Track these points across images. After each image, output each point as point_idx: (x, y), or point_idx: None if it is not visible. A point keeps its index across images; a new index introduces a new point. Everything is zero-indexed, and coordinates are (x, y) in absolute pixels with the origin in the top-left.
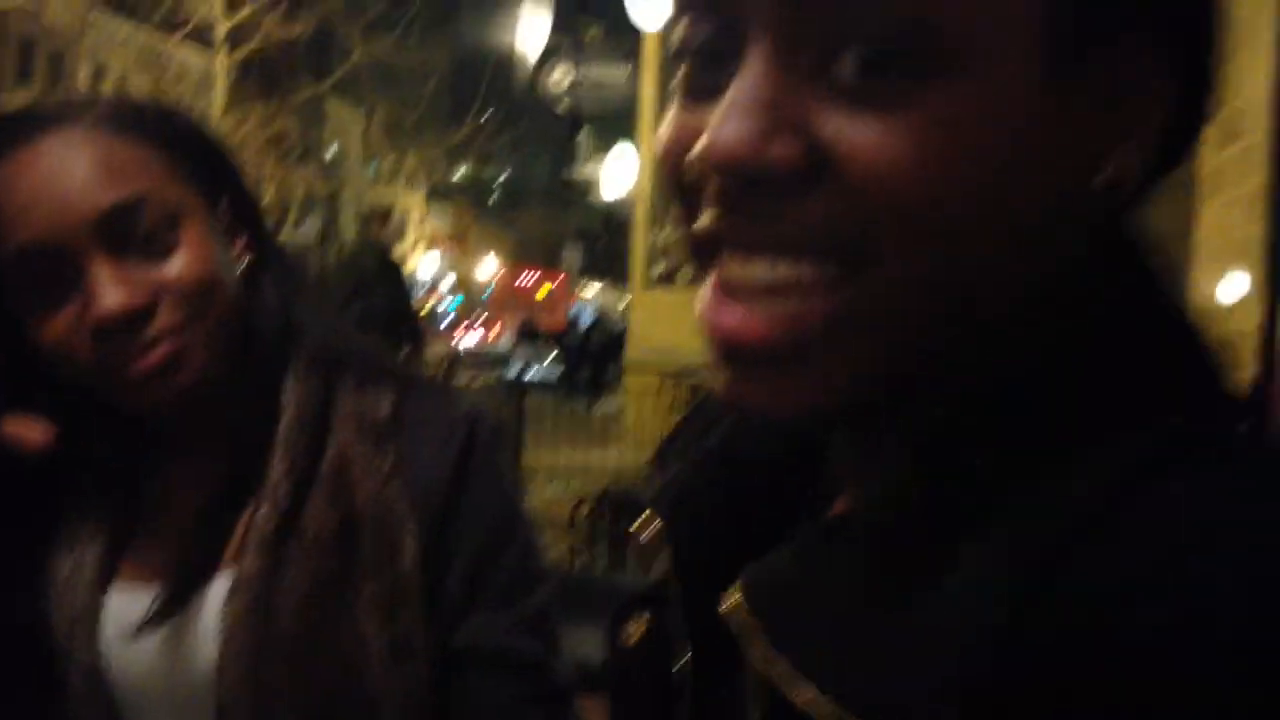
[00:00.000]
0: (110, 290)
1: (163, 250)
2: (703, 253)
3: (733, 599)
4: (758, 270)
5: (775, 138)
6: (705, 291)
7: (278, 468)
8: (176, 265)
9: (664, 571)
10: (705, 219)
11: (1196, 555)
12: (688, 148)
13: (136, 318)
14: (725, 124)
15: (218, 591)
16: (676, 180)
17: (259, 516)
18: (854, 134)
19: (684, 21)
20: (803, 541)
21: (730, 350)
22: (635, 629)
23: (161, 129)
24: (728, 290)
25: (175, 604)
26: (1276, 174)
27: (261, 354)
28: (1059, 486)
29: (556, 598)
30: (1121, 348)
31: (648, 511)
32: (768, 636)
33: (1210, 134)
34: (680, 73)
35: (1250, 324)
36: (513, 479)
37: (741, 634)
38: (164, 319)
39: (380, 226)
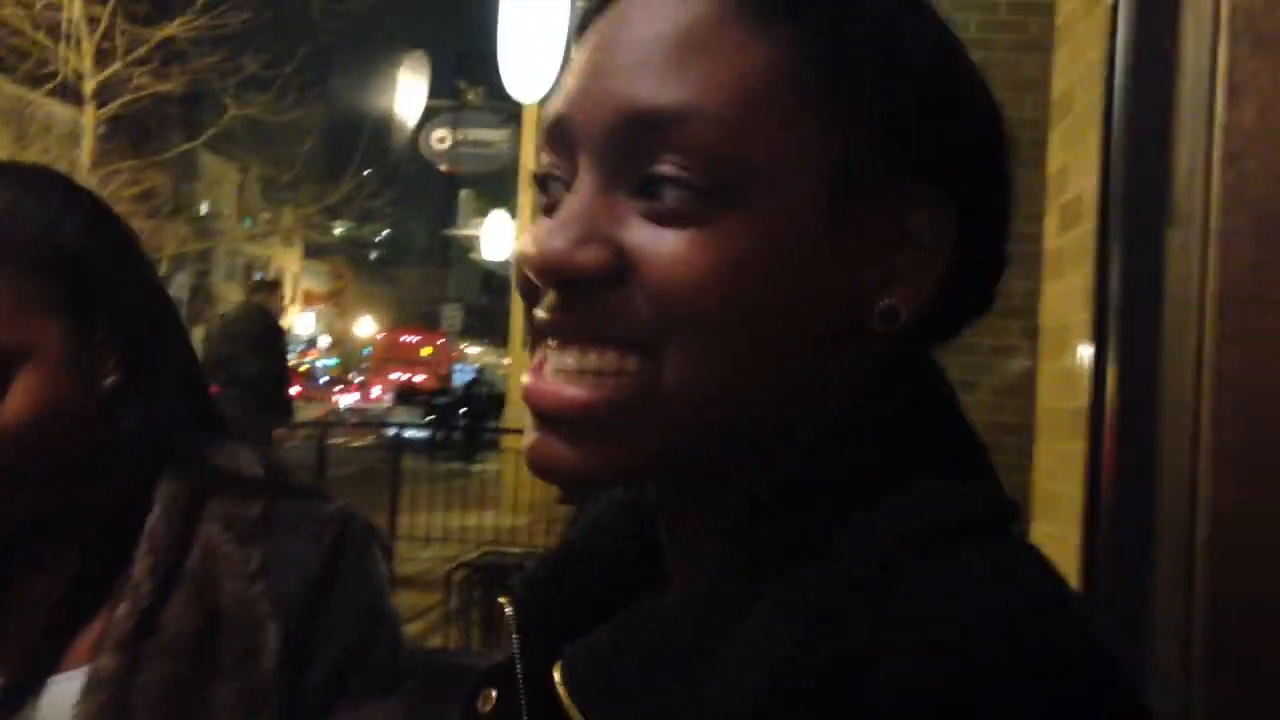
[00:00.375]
0: None
1: None
2: (534, 343)
3: (556, 675)
4: (570, 358)
5: (584, 246)
6: (526, 374)
7: (141, 565)
8: (2, 413)
9: (510, 651)
10: (538, 313)
11: (916, 640)
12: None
13: None
14: (545, 235)
15: (72, 688)
16: (525, 281)
17: (118, 614)
18: (655, 244)
19: (545, 153)
20: (617, 623)
21: (540, 412)
22: (484, 704)
23: (27, 252)
24: (547, 371)
25: (18, 698)
26: (1103, 264)
27: (123, 470)
28: (824, 573)
29: (423, 689)
30: (894, 448)
31: (505, 596)
32: (580, 708)
33: (1053, 219)
34: (538, 193)
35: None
36: (382, 576)
37: (567, 707)
38: None
39: (268, 295)
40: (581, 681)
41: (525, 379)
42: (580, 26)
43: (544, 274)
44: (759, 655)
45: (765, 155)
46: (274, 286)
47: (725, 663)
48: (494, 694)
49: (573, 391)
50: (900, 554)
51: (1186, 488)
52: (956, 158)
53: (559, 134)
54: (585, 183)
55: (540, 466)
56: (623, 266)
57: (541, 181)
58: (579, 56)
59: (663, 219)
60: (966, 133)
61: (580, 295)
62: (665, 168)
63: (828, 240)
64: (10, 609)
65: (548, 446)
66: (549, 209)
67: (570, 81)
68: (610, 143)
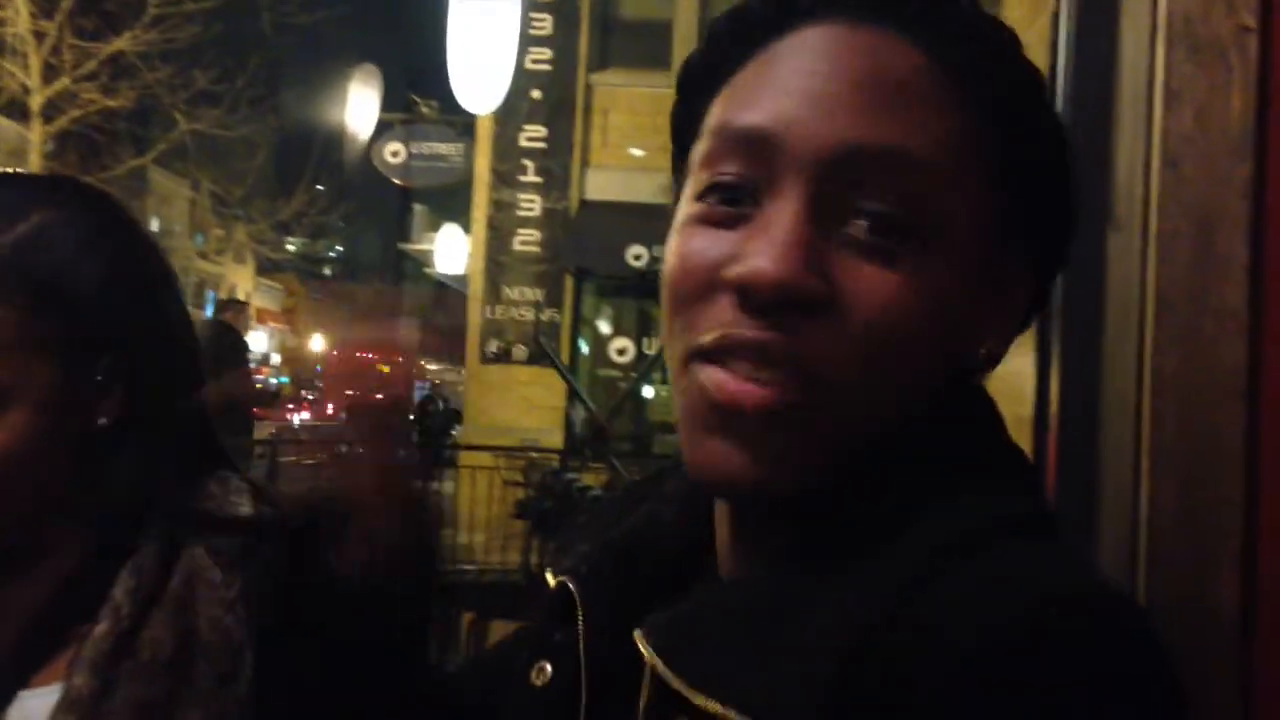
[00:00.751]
0: None
1: None
2: (702, 351)
3: (640, 641)
4: (765, 372)
5: (812, 273)
6: (707, 377)
7: (122, 586)
8: None
9: (569, 631)
10: (720, 323)
11: (984, 615)
12: (712, 261)
13: None
14: (775, 253)
15: (41, 705)
16: (692, 285)
17: (96, 634)
18: (864, 283)
19: (721, 161)
20: (698, 599)
21: (726, 410)
22: (539, 677)
23: (36, 291)
24: (735, 377)
25: None
26: None
27: (112, 506)
28: (902, 550)
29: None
30: (959, 454)
31: (558, 578)
32: (670, 667)
33: None
34: (700, 200)
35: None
36: None
37: (655, 666)
38: None
39: (236, 313)
40: (668, 647)
41: (704, 384)
42: (733, 36)
43: (776, 290)
44: (846, 623)
45: (954, 204)
46: (242, 305)
47: (810, 630)
48: (548, 667)
49: (765, 394)
50: (966, 544)
51: (1129, 491)
52: (1051, 223)
53: (759, 148)
54: (792, 202)
55: (717, 473)
56: (831, 295)
57: (720, 190)
58: (775, 75)
59: (868, 253)
60: (1062, 201)
61: (792, 315)
62: (881, 204)
63: (983, 284)
64: None
65: (728, 455)
66: (719, 219)
67: (777, 101)
68: (828, 170)
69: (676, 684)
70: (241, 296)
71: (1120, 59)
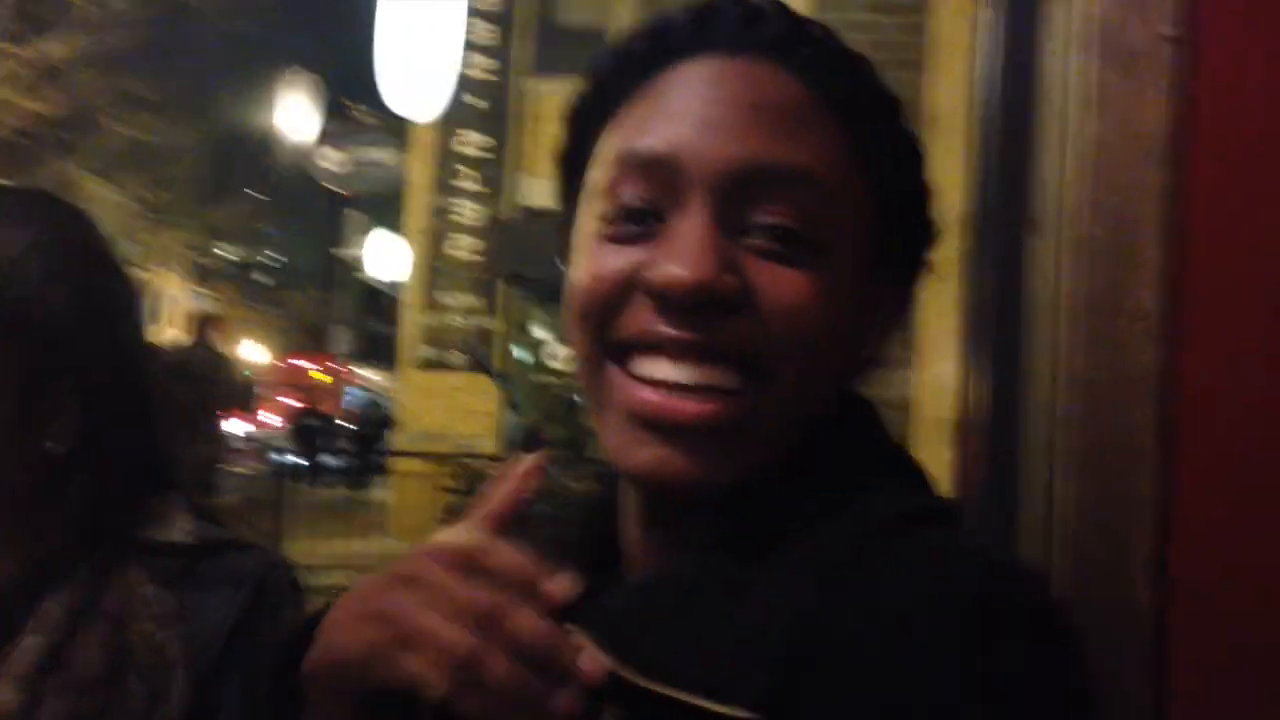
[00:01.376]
0: None
1: None
2: (615, 355)
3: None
4: (685, 372)
5: (726, 273)
6: (624, 384)
7: (53, 600)
8: None
9: None
10: (635, 327)
11: (913, 580)
12: (620, 278)
13: None
14: (691, 258)
15: None
16: (603, 300)
17: (25, 647)
18: (773, 279)
19: (623, 185)
20: (619, 591)
21: (657, 422)
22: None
23: (1, 318)
24: (656, 384)
25: None
26: (970, 275)
27: (55, 530)
28: (826, 538)
29: None
30: (857, 453)
31: None
32: (609, 651)
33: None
34: (606, 220)
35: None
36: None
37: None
38: None
39: (213, 330)
40: (604, 633)
41: (623, 392)
42: (617, 73)
43: (695, 294)
44: (785, 601)
45: (840, 219)
46: (218, 320)
47: (750, 612)
48: None
49: (698, 407)
50: (885, 530)
51: (1045, 490)
52: (916, 234)
53: (661, 171)
54: (698, 217)
55: (663, 477)
56: (744, 292)
57: (627, 210)
58: (666, 105)
59: (772, 256)
60: (925, 214)
61: (706, 316)
62: (779, 218)
63: (862, 294)
64: None
65: (671, 459)
66: (626, 237)
67: (673, 127)
68: (728, 185)
69: (625, 673)
70: (165, 303)
71: (1040, 67)
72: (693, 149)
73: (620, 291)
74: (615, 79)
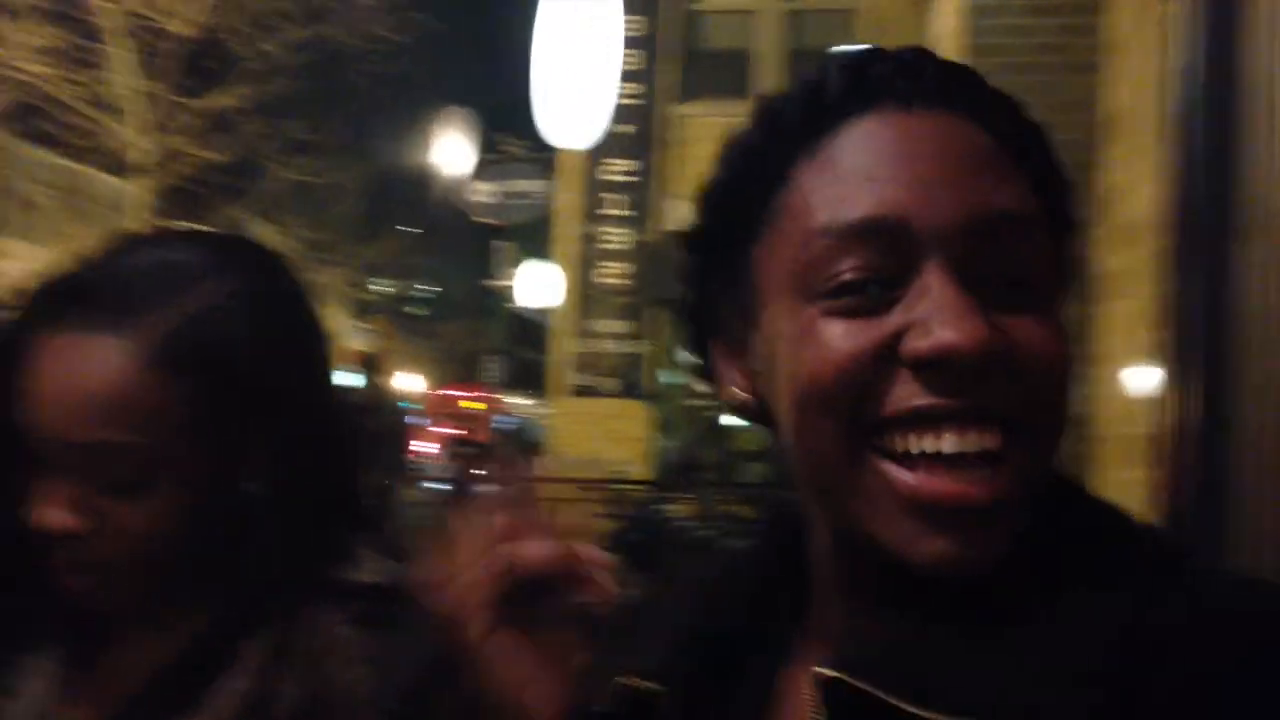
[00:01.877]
0: (50, 510)
1: (125, 489)
2: (874, 437)
3: (826, 674)
4: (970, 440)
5: (996, 333)
6: (890, 469)
7: (255, 644)
8: (122, 513)
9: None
10: (902, 403)
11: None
12: (874, 353)
13: (70, 539)
14: (959, 322)
15: None
16: (857, 379)
17: (227, 689)
18: (1022, 333)
19: (838, 258)
20: (887, 630)
21: (953, 513)
22: None
23: (205, 367)
24: (947, 462)
25: None
26: (1167, 284)
27: (251, 573)
28: (1103, 580)
29: None
30: (1089, 511)
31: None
32: (893, 693)
33: (1107, 241)
34: (824, 299)
35: (1144, 426)
36: None
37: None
38: (95, 550)
39: (375, 369)
40: (885, 679)
41: (911, 478)
42: (772, 145)
43: (980, 359)
44: (1095, 625)
45: (1046, 260)
46: (380, 361)
47: (1051, 638)
48: None
49: (990, 488)
50: (1160, 562)
51: (1254, 508)
52: (1073, 265)
53: (884, 237)
54: (943, 274)
55: (960, 566)
56: (1007, 349)
57: (852, 285)
58: (861, 166)
59: (1017, 308)
60: (1077, 245)
61: (984, 377)
62: (1010, 266)
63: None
64: (115, 673)
65: (964, 548)
66: (865, 310)
67: (881, 190)
68: (962, 242)
69: (911, 709)
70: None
71: (1243, 59)
72: (918, 209)
73: (875, 368)
74: (771, 152)
